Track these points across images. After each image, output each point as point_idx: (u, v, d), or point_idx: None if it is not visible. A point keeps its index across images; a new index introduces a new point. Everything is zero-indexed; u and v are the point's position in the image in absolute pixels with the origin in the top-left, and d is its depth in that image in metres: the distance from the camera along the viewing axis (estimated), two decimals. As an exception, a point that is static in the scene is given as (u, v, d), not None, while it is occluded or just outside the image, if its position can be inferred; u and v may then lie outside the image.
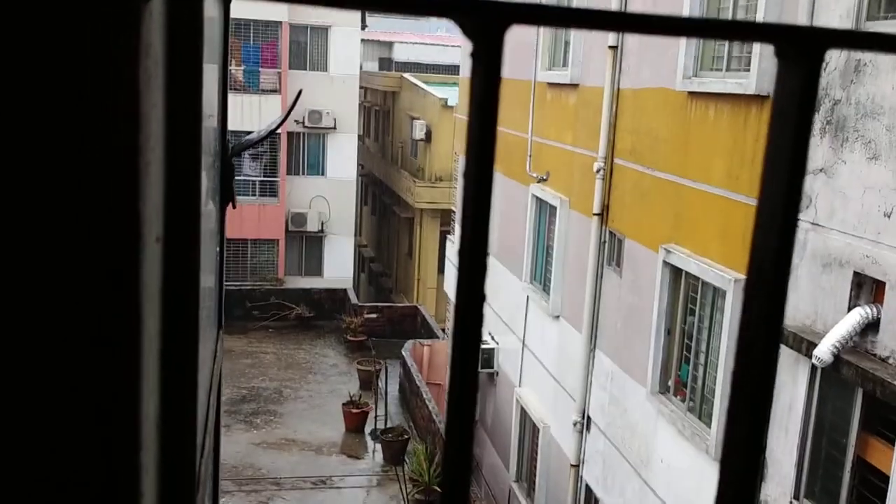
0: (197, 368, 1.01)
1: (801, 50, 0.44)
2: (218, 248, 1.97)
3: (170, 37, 0.81)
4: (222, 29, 1.85)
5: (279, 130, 24.91)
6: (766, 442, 7.14)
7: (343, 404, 17.71)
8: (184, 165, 0.90)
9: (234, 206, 2.03)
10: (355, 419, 17.43)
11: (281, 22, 24.91)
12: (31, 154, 0.52)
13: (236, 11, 27.77)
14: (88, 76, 0.51)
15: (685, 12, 8.52)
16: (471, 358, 0.42)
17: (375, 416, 17.29)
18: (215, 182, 1.78)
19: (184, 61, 0.86)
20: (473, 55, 0.39)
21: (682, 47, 8.57)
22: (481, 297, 0.42)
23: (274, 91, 25.00)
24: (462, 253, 0.40)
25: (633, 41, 9.93)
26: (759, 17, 7.33)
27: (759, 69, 7.32)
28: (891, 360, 5.86)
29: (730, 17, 8.08)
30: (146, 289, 0.64)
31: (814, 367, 6.49)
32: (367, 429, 17.47)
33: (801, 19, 6.79)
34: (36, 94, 0.51)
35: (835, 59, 6.46)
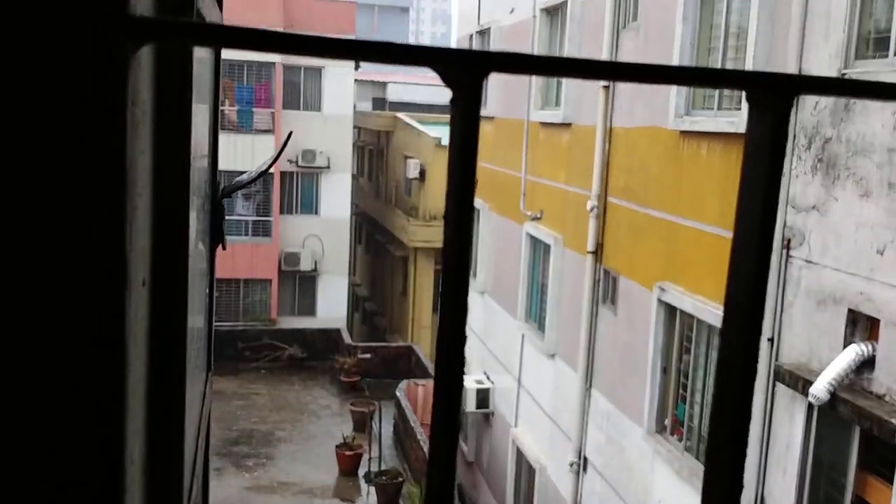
0: (184, 413, 0.99)
1: (771, 96, 0.45)
2: (207, 290, 1.96)
3: (158, 85, 0.82)
4: (213, 69, 1.85)
5: (272, 170, 25.01)
6: (764, 475, 7.06)
7: (336, 446, 17.52)
8: (172, 209, 0.91)
9: (223, 248, 2.01)
10: (349, 462, 17.23)
11: (274, 63, 25.15)
12: (13, 196, 0.52)
13: (230, 53, 28.09)
14: (75, 124, 0.52)
15: (675, 52, 8.63)
16: (453, 401, 0.43)
17: (369, 459, 17.10)
18: (205, 223, 1.77)
19: (172, 108, 0.88)
20: (452, 102, 0.40)
21: (674, 86, 8.66)
22: (462, 337, 0.43)
23: (268, 131, 25.14)
24: (444, 297, 0.41)
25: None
26: (749, 56, 7.42)
27: (749, 108, 7.37)
28: (887, 398, 5.82)
29: (720, 56, 8.18)
30: (132, 331, 0.64)
31: (810, 406, 6.45)
32: (361, 471, 17.26)
33: (791, 59, 6.87)
34: (24, 139, 0.52)
35: (824, 97, 6.53)
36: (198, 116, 1.47)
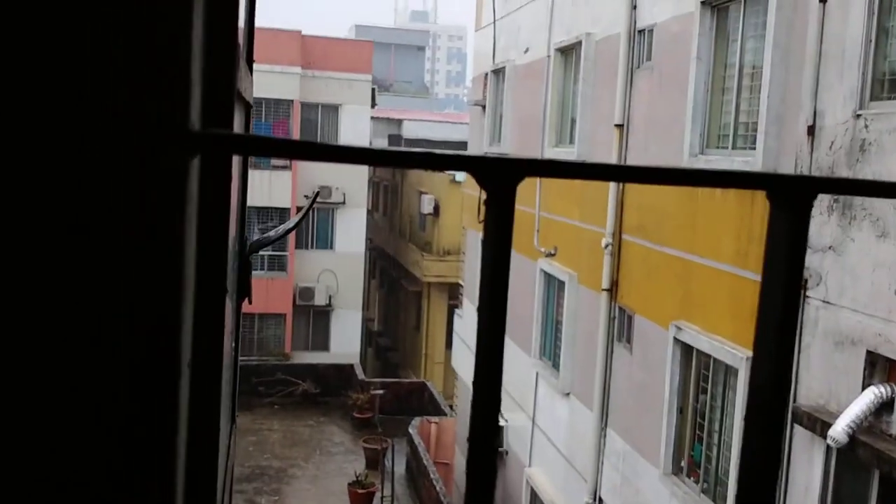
0: (217, 474, 1.02)
1: (791, 196, 0.47)
2: (234, 344, 1.97)
3: (203, 175, 0.88)
4: (244, 123, 1.89)
5: (288, 205, 25.17)
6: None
7: (349, 484, 17.37)
8: (211, 292, 0.98)
9: (250, 302, 2.04)
10: (361, 500, 17.07)
11: (292, 101, 25.43)
12: (86, 284, 0.57)
13: None
14: (137, 229, 0.56)
15: (690, 92, 8.66)
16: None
17: (382, 497, 16.94)
18: (233, 281, 1.79)
19: (214, 194, 0.95)
20: (488, 203, 0.43)
21: (689, 125, 8.68)
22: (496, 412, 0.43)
23: (285, 168, 25.36)
24: (476, 399, 0.40)
25: (639, 119, 10.07)
26: (763, 97, 7.44)
27: (764, 147, 7.38)
28: (909, 442, 5.73)
29: (734, 96, 8.20)
30: (181, 414, 0.69)
31: (829, 448, 6.36)
32: (374, 509, 17.09)
33: (805, 99, 6.89)
34: (93, 243, 0.57)
35: (840, 136, 6.52)
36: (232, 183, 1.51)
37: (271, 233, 3.03)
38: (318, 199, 26.12)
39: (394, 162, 0.41)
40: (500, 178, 0.42)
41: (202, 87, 0.82)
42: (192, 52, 0.57)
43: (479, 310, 0.43)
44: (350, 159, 0.42)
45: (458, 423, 17.67)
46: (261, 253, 25.75)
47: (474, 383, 0.44)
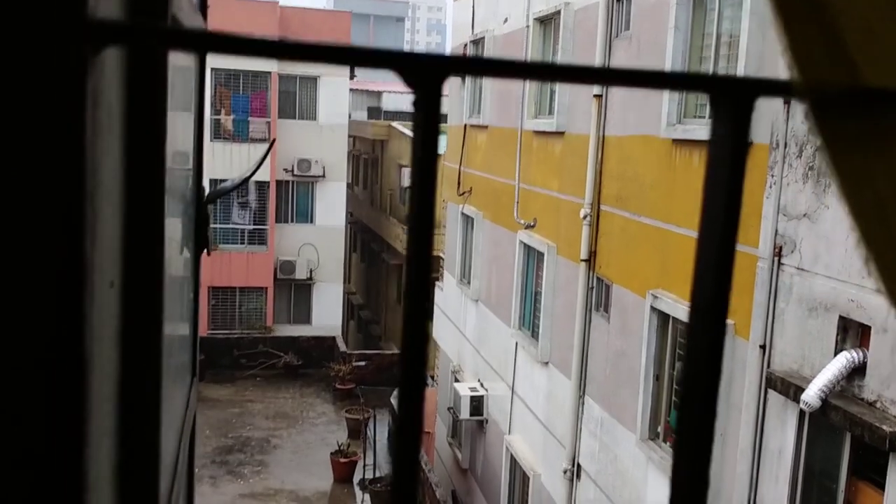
0: (160, 413, 1.00)
1: (733, 98, 0.46)
2: (192, 295, 1.97)
3: (129, 89, 0.83)
4: (198, 78, 1.87)
5: (267, 179, 25.02)
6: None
7: (331, 454, 17.49)
8: (146, 212, 0.91)
9: (208, 253, 2.03)
10: (344, 469, 17.20)
11: (270, 72, 25.18)
12: None
13: (225, 63, 27.55)
14: (30, 126, 0.51)
15: (667, 60, 8.67)
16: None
17: (364, 466, 17.08)
18: (189, 229, 1.78)
19: (145, 111, 0.87)
20: (414, 104, 0.42)
21: (666, 94, 8.69)
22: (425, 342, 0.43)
23: (263, 140, 25.16)
24: (407, 294, 0.42)
25: (617, 90, 10.07)
26: (741, 65, 7.46)
27: (740, 116, 7.41)
28: (878, 405, 5.84)
29: (711, 64, 8.22)
30: (97, 331, 0.64)
31: (802, 413, 6.47)
32: (356, 478, 17.23)
33: (782, 70, 6.91)
34: None
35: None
36: (177, 122, 1.48)
37: (228, 183, 3.01)
38: (298, 173, 25.97)
39: (306, 56, 0.40)
40: (426, 75, 0.41)
41: None
42: None
43: (408, 224, 0.43)
44: (262, 52, 0.40)
45: (438, 392, 17.79)
46: (241, 227, 25.63)
47: (404, 316, 0.44)
